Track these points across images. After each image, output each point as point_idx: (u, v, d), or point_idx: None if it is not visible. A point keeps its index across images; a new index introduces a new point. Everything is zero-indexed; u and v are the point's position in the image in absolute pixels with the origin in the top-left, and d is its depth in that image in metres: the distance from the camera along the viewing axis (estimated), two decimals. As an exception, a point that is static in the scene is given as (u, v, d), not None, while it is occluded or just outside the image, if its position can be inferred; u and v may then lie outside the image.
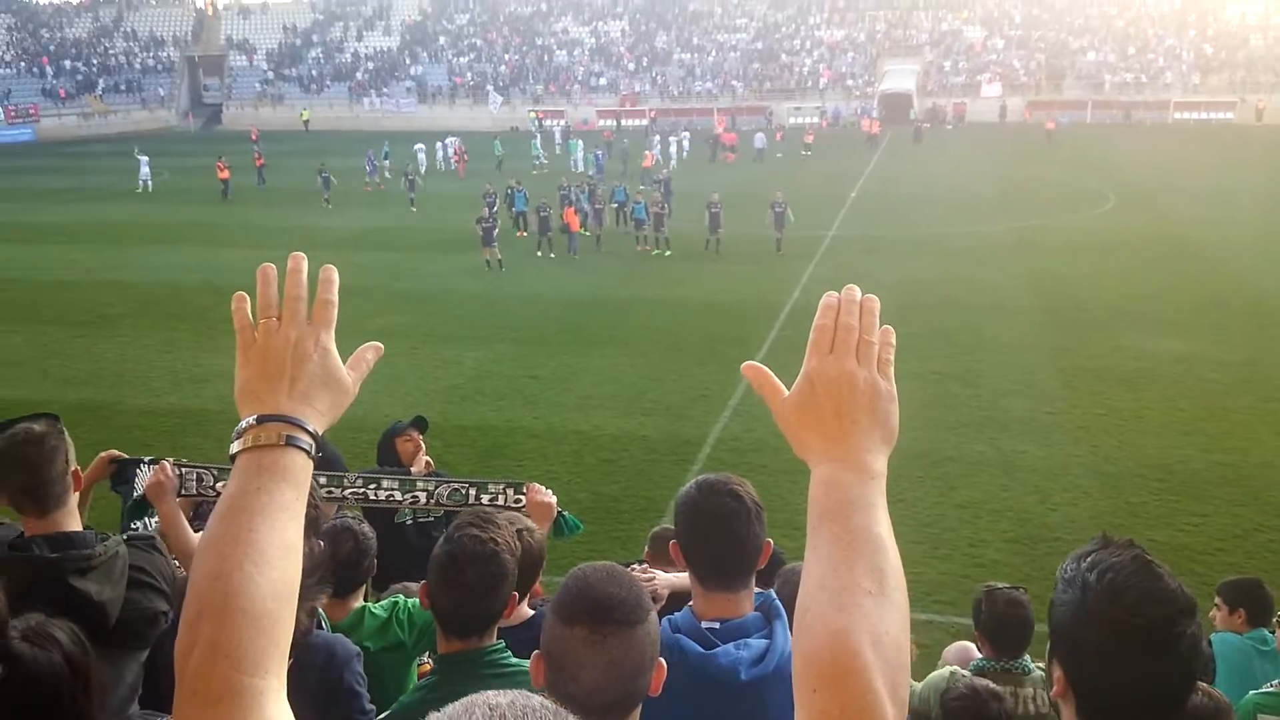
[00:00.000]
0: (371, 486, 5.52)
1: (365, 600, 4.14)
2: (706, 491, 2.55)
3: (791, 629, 1.23)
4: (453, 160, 44.49)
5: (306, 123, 66.37)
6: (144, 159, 40.73)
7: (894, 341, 1.39)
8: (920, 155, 47.02)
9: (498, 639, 2.81)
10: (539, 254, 26.17)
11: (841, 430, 1.32)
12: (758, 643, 2.49)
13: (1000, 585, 4.33)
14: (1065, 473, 12.32)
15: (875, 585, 1.22)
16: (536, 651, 2.01)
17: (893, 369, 1.37)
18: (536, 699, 0.97)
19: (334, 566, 3.61)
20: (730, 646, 2.47)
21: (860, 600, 1.20)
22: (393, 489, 5.49)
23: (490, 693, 0.97)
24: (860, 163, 44.52)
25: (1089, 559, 1.75)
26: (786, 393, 1.37)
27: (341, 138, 58.79)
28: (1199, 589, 4.54)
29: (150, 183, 40.54)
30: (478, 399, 15.47)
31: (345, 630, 3.76)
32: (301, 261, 1.39)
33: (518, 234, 28.54)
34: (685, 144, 48.55)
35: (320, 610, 3.59)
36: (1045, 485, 11.99)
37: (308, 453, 1.34)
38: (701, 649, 2.47)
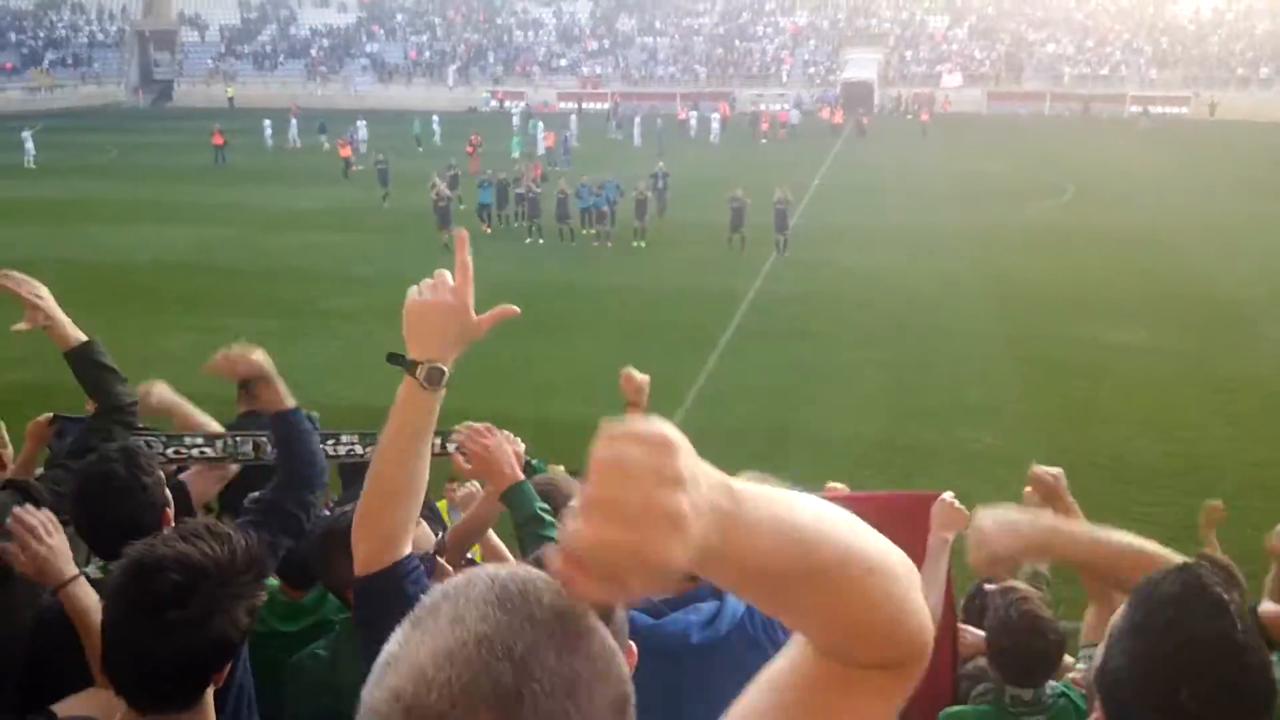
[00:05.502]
0: (330, 442, 5.31)
1: None
2: None
3: None
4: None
5: (231, 99, 65.20)
6: (28, 134, 40.67)
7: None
8: (881, 145, 47.21)
9: None
10: (528, 240, 25.58)
11: None
12: (708, 606, 2.54)
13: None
14: (1021, 462, 12.37)
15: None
16: None
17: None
18: (536, 571, 0.99)
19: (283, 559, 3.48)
20: (680, 613, 2.52)
21: None
22: (353, 443, 5.31)
23: (491, 565, 1.01)
24: (823, 151, 44.64)
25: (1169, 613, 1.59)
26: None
27: (302, 115, 57.93)
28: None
29: (33, 159, 40.05)
30: (435, 383, 15.25)
31: (309, 607, 3.62)
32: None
33: (483, 227, 25.75)
34: (715, 125, 49.25)
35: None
36: (1001, 474, 12.06)
37: None
38: (651, 619, 2.49)
